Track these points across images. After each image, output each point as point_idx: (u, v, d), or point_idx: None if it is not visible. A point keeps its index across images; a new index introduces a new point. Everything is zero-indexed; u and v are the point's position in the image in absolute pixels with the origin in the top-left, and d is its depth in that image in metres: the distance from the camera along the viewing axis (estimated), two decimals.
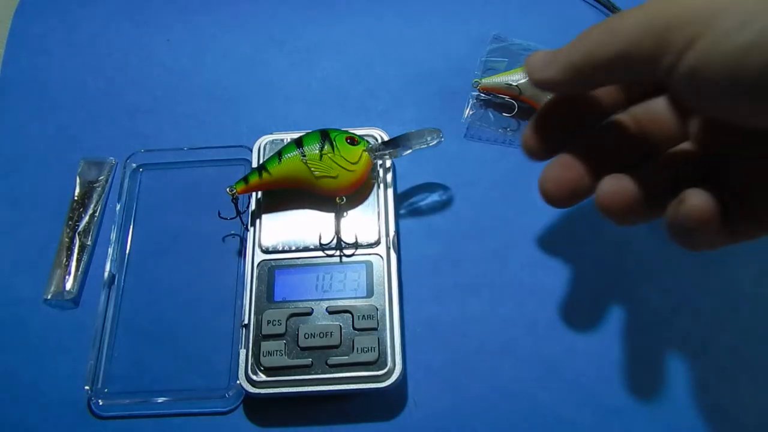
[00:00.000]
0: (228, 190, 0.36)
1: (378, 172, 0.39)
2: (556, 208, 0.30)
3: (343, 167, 0.36)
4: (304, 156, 0.36)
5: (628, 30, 0.24)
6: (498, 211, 0.39)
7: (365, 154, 0.37)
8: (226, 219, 0.37)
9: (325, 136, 0.37)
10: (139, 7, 0.48)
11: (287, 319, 0.34)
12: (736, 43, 0.21)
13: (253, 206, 0.38)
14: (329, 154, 0.36)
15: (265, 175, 0.36)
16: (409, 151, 0.37)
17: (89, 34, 0.47)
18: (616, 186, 0.26)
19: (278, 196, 0.38)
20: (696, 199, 0.24)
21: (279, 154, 0.37)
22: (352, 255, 0.36)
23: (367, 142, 0.38)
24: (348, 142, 0.37)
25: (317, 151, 0.36)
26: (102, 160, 0.42)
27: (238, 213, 0.38)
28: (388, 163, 0.39)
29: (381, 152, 0.37)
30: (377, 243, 0.36)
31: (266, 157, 0.38)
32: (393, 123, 0.41)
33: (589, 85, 0.27)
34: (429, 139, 0.37)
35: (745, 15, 0.21)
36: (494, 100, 0.42)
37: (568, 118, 0.29)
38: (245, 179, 0.36)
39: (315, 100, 0.44)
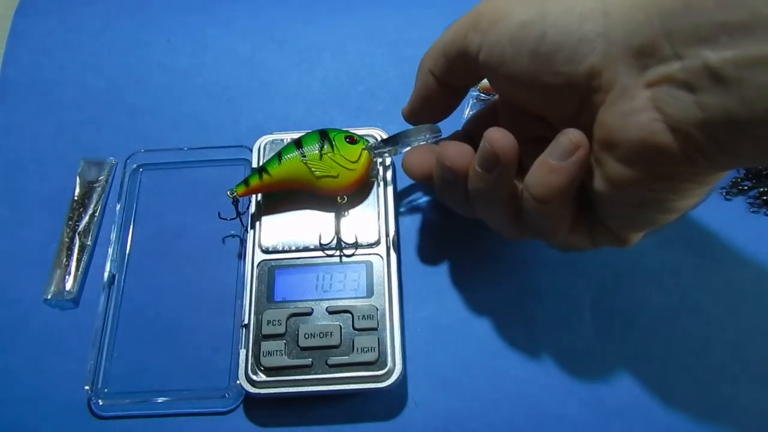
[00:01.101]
0: (228, 193, 0.36)
1: (378, 170, 0.39)
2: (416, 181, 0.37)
3: (343, 166, 0.36)
4: (304, 156, 0.36)
5: (454, 25, 0.31)
6: None
7: (365, 152, 0.37)
8: (226, 219, 0.37)
9: (324, 135, 0.37)
10: (139, 7, 0.48)
11: (287, 319, 0.34)
12: (521, 19, 0.27)
13: (253, 208, 0.38)
14: (329, 154, 0.36)
15: (265, 176, 0.36)
16: (409, 149, 0.37)
17: (89, 34, 0.47)
18: (501, 131, 0.28)
19: (278, 197, 0.38)
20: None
21: (279, 156, 0.37)
22: (352, 255, 0.36)
23: (367, 140, 0.38)
24: (347, 141, 0.37)
25: (317, 151, 0.36)
26: (102, 160, 0.42)
27: (239, 214, 0.37)
28: (388, 161, 0.39)
29: (381, 150, 0.37)
30: (377, 243, 0.36)
31: (266, 159, 0.38)
32: (393, 123, 0.41)
33: (446, 74, 0.33)
34: (428, 135, 0.37)
35: (530, 1, 0.27)
36: (494, 100, 0.42)
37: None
38: (246, 182, 0.36)
39: (315, 100, 0.44)
